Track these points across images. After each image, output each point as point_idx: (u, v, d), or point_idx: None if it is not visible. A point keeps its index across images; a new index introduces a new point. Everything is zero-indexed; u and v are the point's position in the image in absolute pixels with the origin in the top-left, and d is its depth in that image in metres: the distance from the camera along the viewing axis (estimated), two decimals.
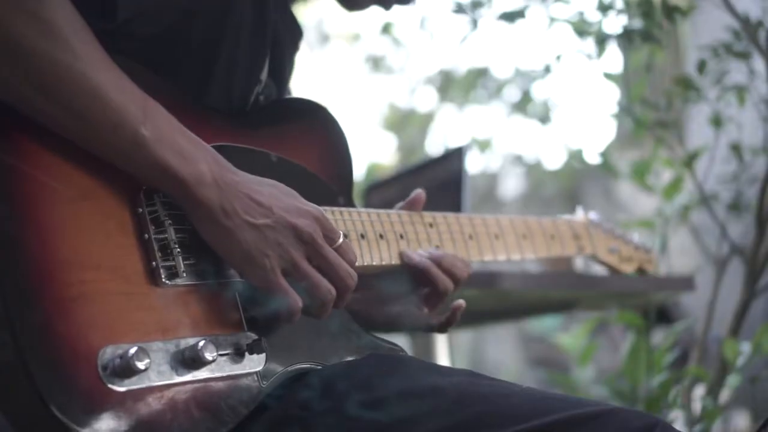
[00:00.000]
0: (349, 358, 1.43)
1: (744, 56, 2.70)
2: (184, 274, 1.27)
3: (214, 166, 1.28)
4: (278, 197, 1.32)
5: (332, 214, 1.47)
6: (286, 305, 1.30)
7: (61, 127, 1.22)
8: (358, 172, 7.01)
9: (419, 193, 1.66)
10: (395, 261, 1.55)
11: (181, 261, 1.27)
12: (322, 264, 1.33)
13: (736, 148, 2.87)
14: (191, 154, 1.26)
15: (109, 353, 1.17)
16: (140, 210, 1.27)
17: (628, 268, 2.06)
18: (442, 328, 1.60)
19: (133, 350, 1.17)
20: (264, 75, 1.53)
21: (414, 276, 1.56)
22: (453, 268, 1.56)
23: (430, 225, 1.63)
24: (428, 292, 1.56)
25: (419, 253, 1.56)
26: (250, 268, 1.29)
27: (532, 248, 1.80)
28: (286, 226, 1.30)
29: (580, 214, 2.02)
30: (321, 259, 1.33)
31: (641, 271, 2.09)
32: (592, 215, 2.02)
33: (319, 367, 1.38)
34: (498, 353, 7.65)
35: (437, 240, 1.63)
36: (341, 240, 1.35)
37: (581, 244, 1.94)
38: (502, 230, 1.75)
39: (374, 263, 1.52)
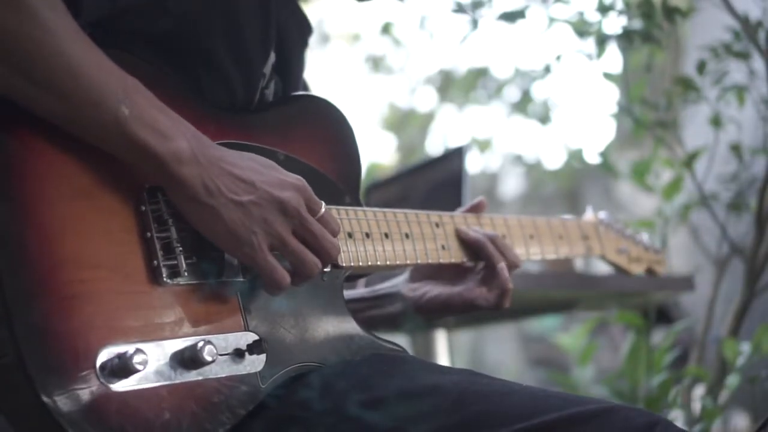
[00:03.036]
0: (350, 358, 1.42)
1: (744, 56, 2.70)
2: (186, 274, 1.27)
3: (194, 142, 1.26)
4: (259, 171, 1.31)
5: (337, 213, 1.46)
6: (273, 281, 1.30)
7: (41, 108, 1.20)
8: None
9: (481, 199, 1.73)
10: (400, 261, 1.55)
11: (182, 260, 1.26)
12: (307, 236, 1.33)
13: (735, 148, 2.87)
14: (170, 132, 1.24)
15: (107, 353, 1.17)
16: (143, 208, 1.26)
17: (637, 269, 2.05)
18: (499, 304, 1.64)
19: (131, 350, 1.17)
20: (267, 69, 1.52)
21: (470, 253, 1.64)
22: (505, 249, 1.63)
23: (437, 225, 1.62)
24: (484, 273, 1.62)
25: (474, 230, 1.64)
26: (237, 246, 1.28)
27: (539, 248, 1.79)
28: (270, 201, 1.29)
29: (589, 214, 2.01)
30: (306, 232, 1.32)
31: (651, 271, 2.09)
32: (602, 215, 2.01)
33: (320, 367, 1.38)
34: (498, 353, 7.64)
35: (444, 240, 1.62)
36: (323, 210, 1.35)
37: (590, 244, 1.93)
38: (509, 230, 1.74)
39: (378, 263, 1.51)
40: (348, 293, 1.73)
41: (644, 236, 2.10)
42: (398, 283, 1.72)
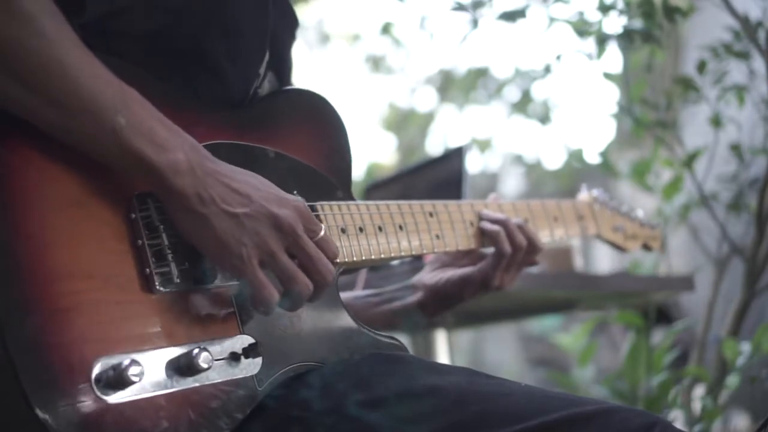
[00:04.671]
0: (348, 357, 1.42)
1: (744, 56, 2.70)
2: (179, 280, 1.25)
3: (192, 154, 1.25)
4: (258, 187, 1.29)
5: (330, 208, 1.46)
6: (261, 297, 1.27)
7: (38, 117, 1.19)
8: (358, 172, 7.01)
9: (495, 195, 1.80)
10: (395, 253, 1.54)
11: (175, 267, 1.25)
12: (301, 257, 1.30)
13: (735, 148, 2.87)
14: (167, 143, 1.23)
15: (102, 365, 1.15)
16: (133, 215, 1.25)
17: (633, 246, 2.05)
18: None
19: (126, 361, 1.15)
20: (263, 69, 1.52)
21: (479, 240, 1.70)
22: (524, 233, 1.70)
23: (430, 214, 1.62)
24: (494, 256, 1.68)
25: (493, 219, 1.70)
26: (226, 258, 1.26)
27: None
28: (265, 215, 1.27)
29: (584, 193, 2.01)
30: (300, 251, 1.30)
31: (646, 247, 2.09)
32: (597, 192, 2.00)
33: (318, 367, 1.38)
34: (498, 353, 7.65)
35: (437, 229, 1.62)
36: (322, 233, 1.33)
37: (585, 224, 1.93)
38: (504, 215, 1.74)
39: (373, 257, 1.50)
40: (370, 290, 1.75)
41: (639, 212, 2.10)
42: (420, 275, 1.75)
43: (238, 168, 1.31)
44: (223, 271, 1.29)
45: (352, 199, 1.54)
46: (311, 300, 1.33)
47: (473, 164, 8.05)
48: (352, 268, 1.58)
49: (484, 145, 7.84)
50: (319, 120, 1.55)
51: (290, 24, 1.63)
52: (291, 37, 1.64)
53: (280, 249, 1.28)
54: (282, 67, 1.59)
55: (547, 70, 3.51)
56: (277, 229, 1.28)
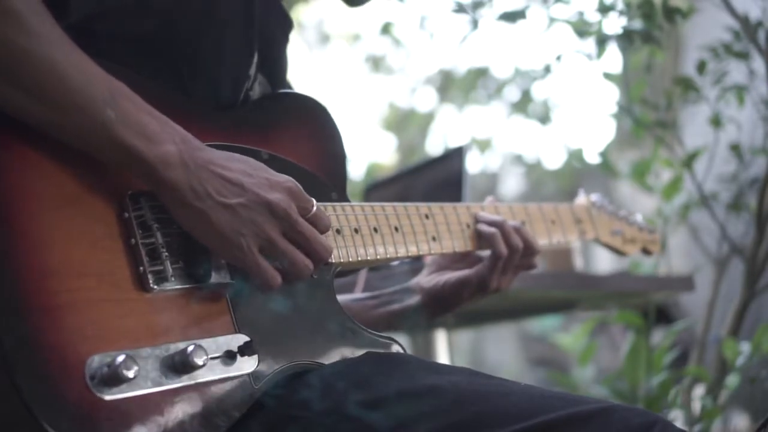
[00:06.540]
0: (345, 356, 1.42)
1: (744, 56, 2.70)
2: (173, 279, 1.26)
3: (182, 145, 1.25)
4: (248, 173, 1.30)
5: (325, 209, 1.45)
6: (265, 281, 1.30)
7: (28, 114, 1.19)
8: (358, 172, 7.02)
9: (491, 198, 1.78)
10: (390, 255, 1.54)
11: (169, 265, 1.25)
12: (298, 238, 1.33)
13: (735, 148, 2.87)
14: (157, 135, 1.23)
15: (96, 362, 1.15)
16: (126, 214, 1.25)
17: (632, 249, 2.04)
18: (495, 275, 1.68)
19: (120, 358, 1.16)
20: (252, 70, 1.52)
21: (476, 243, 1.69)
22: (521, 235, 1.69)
23: (426, 216, 1.62)
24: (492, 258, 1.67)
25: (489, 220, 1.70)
26: (227, 249, 1.28)
27: None
28: (259, 203, 1.29)
29: (581, 198, 2.01)
30: (297, 234, 1.32)
31: (645, 251, 2.09)
32: (594, 197, 2.00)
33: (315, 366, 1.38)
34: (498, 353, 7.66)
35: (434, 231, 1.62)
36: (315, 208, 1.35)
37: (583, 228, 1.93)
38: None
39: (369, 258, 1.50)
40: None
41: (638, 216, 2.10)
42: (418, 278, 1.76)
43: (228, 153, 1.31)
44: (225, 260, 1.30)
45: (347, 201, 1.54)
46: (311, 276, 1.35)
47: (473, 164, 8.07)
48: (349, 269, 1.58)
49: (484, 145, 7.85)
50: (312, 123, 1.55)
51: (283, 26, 1.63)
52: (284, 40, 1.64)
53: (277, 234, 1.30)
54: (274, 69, 1.60)
55: (547, 70, 3.51)
56: (273, 215, 1.30)
